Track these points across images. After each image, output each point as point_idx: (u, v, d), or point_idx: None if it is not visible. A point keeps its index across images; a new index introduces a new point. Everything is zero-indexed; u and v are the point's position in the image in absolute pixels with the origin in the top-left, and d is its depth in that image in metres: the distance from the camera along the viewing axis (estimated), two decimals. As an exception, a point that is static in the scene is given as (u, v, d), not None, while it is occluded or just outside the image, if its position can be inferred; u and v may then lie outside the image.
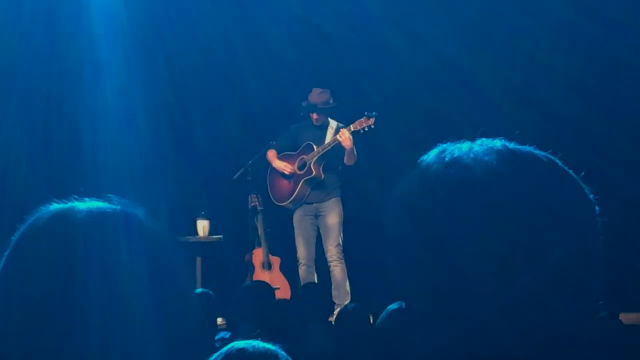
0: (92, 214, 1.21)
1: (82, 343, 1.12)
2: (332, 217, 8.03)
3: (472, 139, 1.17)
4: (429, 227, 1.11)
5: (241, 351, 2.28)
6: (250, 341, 2.34)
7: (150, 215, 1.26)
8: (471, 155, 1.13)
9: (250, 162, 8.37)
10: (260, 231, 8.53)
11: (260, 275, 8.31)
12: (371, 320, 5.32)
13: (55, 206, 1.23)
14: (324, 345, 4.79)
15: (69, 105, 8.71)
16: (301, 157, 8.18)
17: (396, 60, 8.96)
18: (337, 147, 7.92)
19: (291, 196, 8.15)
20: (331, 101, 8.11)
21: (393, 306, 4.04)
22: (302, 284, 7.98)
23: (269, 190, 8.39)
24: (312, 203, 8.11)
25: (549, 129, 7.71)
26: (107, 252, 1.16)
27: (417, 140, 7.94)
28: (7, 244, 1.20)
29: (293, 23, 9.06)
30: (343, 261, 8.01)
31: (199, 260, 8.41)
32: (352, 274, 8.07)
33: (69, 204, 1.23)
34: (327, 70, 8.86)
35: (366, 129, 7.80)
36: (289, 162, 8.23)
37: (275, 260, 8.53)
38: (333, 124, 8.08)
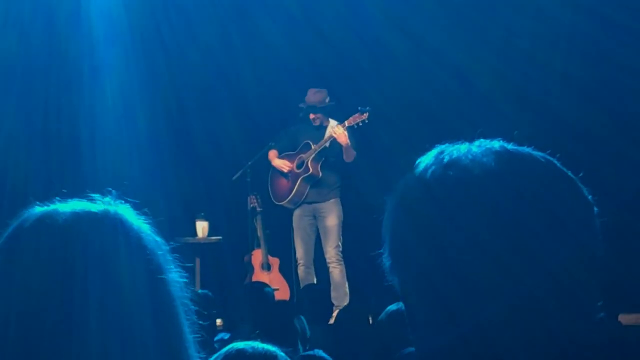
0: (75, 215, 1.20)
1: (71, 345, 1.11)
2: (331, 218, 8.03)
3: (471, 140, 1.17)
4: (427, 229, 1.11)
5: (240, 352, 2.28)
6: (249, 342, 2.34)
7: (147, 215, 1.25)
8: (469, 156, 1.13)
9: (249, 163, 8.38)
10: (260, 232, 8.53)
11: (260, 276, 8.31)
12: (370, 321, 5.33)
13: (38, 209, 1.22)
14: (323, 346, 4.79)
15: (68, 106, 8.71)
16: (300, 156, 8.19)
17: (395, 61, 8.96)
18: (336, 145, 7.91)
19: (289, 194, 8.15)
20: (327, 100, 8.11)
21: (392, 307, 4.05)
22: (301, 284, 7.98)
23: (269, 190, 8.39)
24: (311, 203, 8.10)
25: (548, 130, 7.72)
26: (92, 252, 1.16)
27: (416, 142, 7.94)
28: None
29: (292, 24, 9.06)
30: (342, 262, 8.01)
31: (198, 261, 8.40)
32: (350, 275, 8.07)
33: (52, 207, 1.23)
34: (325, 72, 8.86)
35: (360, 124, 7.81)
36: (288, 162, 8.23)
37: (275, 261, 8.53)
38: (333, 123, 8.08)
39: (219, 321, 6.96)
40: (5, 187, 8.08)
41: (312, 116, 8.09)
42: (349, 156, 7.88)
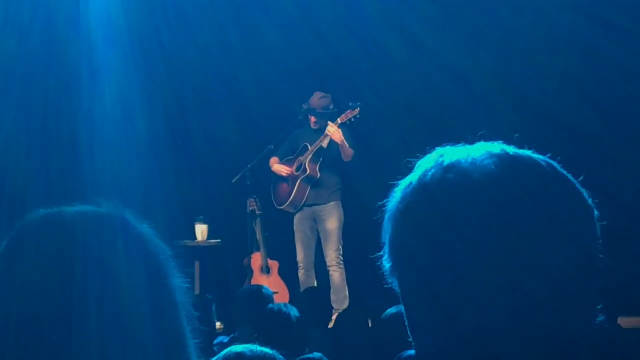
0: (80, 217, 1.20)
1: (72, 345, 1.11)
2: (332, 221, 8.01)
3: (471, 142, 1.17)
4: (427, 231, 1.10)
5: (239, 355, 2.28)
6: (248, 345, 2.34)
7: (147, 218, 1.25)
8: (469, 159, 1.12)
9: (249, 166, 8.37)
10: (259, 235, 8.52)
11: (259, 279, 8.31)
12: (370, 325, 5.32)
13: (43, 211, 1.23)
14: (322, 350, 4.78)
15: (67, 109, 8.71)
16: (298, 159, 8.19)
17: (395, 64, 8.96)
18: (334, 146, 7.91)
19: (290, 197, 8.14)
20: (331, 107, 8.11)
21: (392, 310, 4.04)
22: (301, 287, 7.97)
23: (272, 197, 8.38)
24: (311, 206, 8.09)
25: (548, 133, 7.72)
26: (96, 255, 1.16)
27: (416, 144, 7.94)
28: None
29: (292, 27, 9.06)
30: (342, 266, 8.00)
31: (197, 264, 8.40)
32: (350, 277, 8.06)
33: (57, 209, 1.23)
34: (325, 74, 8.86)
35: (353, 119, 7.83)
36: (288, 166, 8.24)
37: (274, 265, 8.53)
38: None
39: (218, 324, 6.96)
40: (5, 189, 8.08)
41: (312, 119, 8.10)
42: (347, 155, 7.87)
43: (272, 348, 2.36)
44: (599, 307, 1.11)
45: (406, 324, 1.17)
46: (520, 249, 1.06)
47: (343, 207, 8.12)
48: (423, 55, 8.68)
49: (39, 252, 1.16)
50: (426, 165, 1.16)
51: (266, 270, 8.49)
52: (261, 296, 5.78)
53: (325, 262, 8.08)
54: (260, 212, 8.50)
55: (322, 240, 8.09)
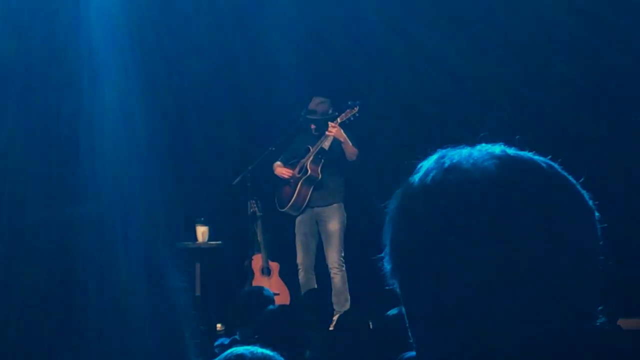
0: (80, 218, 1.20)
1: (72, 346, 1.11)
2: (334, 223, 8.00)
3: (472, 144, 1.17)
4: (428, 233, 1.10)
5: (240, 357, 2.28)
6: (248, 347, 2.34)
7: (147, 219, 1.25)
8: (470, 160, 1.12)
9: (249, 167, 8.38)
10: (260, 237, 8.52)
11: (260, 281, 8.31)
12: (370, 326, 5.32)
13: (43, 212, 1.23)
14: (323, 352, 4.79)
15: (67, 109, 8.70)
16: (300, 161, 8.19)
17: (396, 66, 8.97)
18: (336, 147, 7.91)
19: (292, 199, 8.14)
20: (330, 111, 8.10)
21: (392, 312, 4.04)
22: (301, 289, 7.97)
23: (275, 200, 8.38)
24: (313, 207, 8.08)
25: (549, 135, 7.72)
26: (95, 256, 1.16)
27: (416, 146, 7.94)
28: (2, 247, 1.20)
29: (292, 28, 9.07)
30: (344, 268, 7.99)
31: (198, 266, 8.40)
32: (350, 279, 8.06)
33: (57, 210, 1.23)
34: (325, 76, 8.86)
35: (352, 118, 7.85)
36: (290, 169, 8.23)
37: (275, 266, 8.53)
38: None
39: (218, 326, 6.97)
40: (4, 189, 8.08)
41: (312, 126, 8.10)
42: (351, 154, 7.86)
43: (273, 350, 2.35)
44: (599, 308, 1.11)
45: (407, 325, 1.17)
46: (520, 250, 1.06)
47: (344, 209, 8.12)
48: (424, 57, 8.68)
49: (39, 252, 1.16)
50: (427, 166, 1.16)
51: (267, 271, 8.49)
52: (262, 298, 5.78)
53: (326, 264, 8.08)
54: (261, 214, 8.50)
55: (324, 242, 8.08)
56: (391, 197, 1.18)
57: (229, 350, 2.34)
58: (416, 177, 1.16)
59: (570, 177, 1.14)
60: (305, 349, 4.74)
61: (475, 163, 1.12)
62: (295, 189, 8.11)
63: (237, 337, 5.36)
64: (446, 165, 1.13)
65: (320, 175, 8.04)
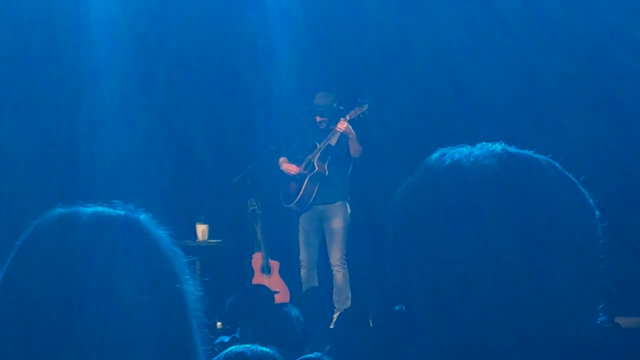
0: (96, 218, 1.20)
1: (84, 345, 1.12)
2: (337, 221, 7.99)
3: (473, 142, 1.17)
4: (429, 230, 1.11)
5: (240, 355, 2.28)
6: (249, 345, 2.34)
7: (154, 220, 1.25)
8: (471, 158, 1.13)
9: (249, 166, 8.37)
10: (260, 235, 8.52)
11: (260, 279, 8.31)
12: (370, 324, 5.32)
13: (59, 210, 1.23)
14: (323, 349, 4.79)
15: (67, 108, 8.71)
16: (307, 157, 8.18)
17: (397, 65, 8.96)
18: (342, 144, 7.90)
19: (298, 195, 8.13)
20: (335, 105, 8.09)
21: (393, 309, 4.04)
22: (303, 286, 7.97)
23: (280, 196, 8.37)
24: (318, 205, 8.08)
25: (550, 133, 7.72)
26: (110, 256, 1.16)
27: (418, 144, 7.95)
28: (10, 247, 1.20)
29: (293, 26, 9.06)
30: (346, 266, 7.98)
31: (198, 264, 8.39)
32: (351, 277, 8.06)
33: (73, 208, 1.23)
34: (327, 74, 8.85)
35: (361, 116, 7.85)
36: (296, 165, 8.22)
37: (275, 265, 8.53)
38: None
39: (218, 324, 6.97)
40: (5, 189, 8.09)
41: (318, 119, 8.09)
42: (356, 150, 7.87)
43: (273, 348, 2.36)
44: (599, 306, 1.11)
45: (407, 323, 1.17)
46: (521, 248, 1.07)
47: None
48: (426, 56, 8.68)
49: (52, 250, 1.16)
50: (428, 164, 1.16)
51: (267, 270, 8.49)
52: (262, 296, 5.79)
53: (328, 261, 8.07)
54: (261, 212, 8.50)
55: (327, 240, 8.08)
56: (392, 195, 1.18)
57: (229, 349, 2.34)
58: (417, 176, 1.16)
59: (570, 176, 1.14)
60: (305, 347, 4.74)
61: (476, 161, 1.12)
62: (302, 186, 8.11)
63: (237, 335, 5.36)
64: (447, 163, 1.13)
65: (327, 172, 8.03)
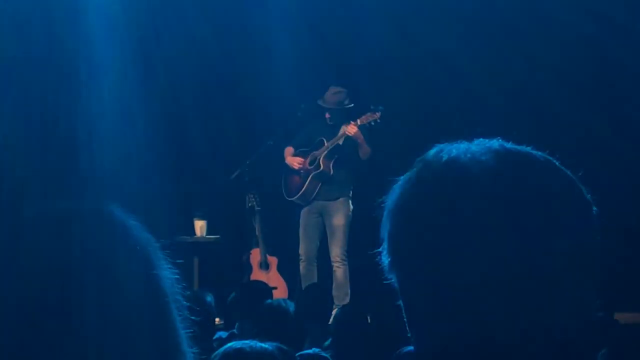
0: (67, 211, 1.20)
1: (63, 337, 1.12)
2: (339, 217, 7.99)
3: (470, 139, 1.17)
4: (426, 226, 1.11)
5: (238, 351, 2.28)
6: (247, 341, 2.35)
7: (125, 210, 1.25)
8: (468, 154, 1.12)
9: (247, 161, 8.37)
10: (258, 231, 8.52)
11: (258, 275, 8.32)
12: (369, 320, 5.33)
13: (28, 210, 1.23)
14: (322, 345, 4.79)
15: (65, 105, 8.70)
16: (313, 153, 8.17)
17: (394, 61, 8.96)
18: (349, 144, 7.89)
19: (300, 191, 8.13)
20: (346, 102, 8.07)
21: (391, 306, 4.05)
22: (302, 280, 7.98)
23: (282, 186, 8.36)
24: (319, 200, 8.08)
25: (547, 129, 7.73)
26: (84, 248, 1.16)
27: (415, 141, 7.95)
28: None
29: (291, 22, 9.05)
30: (346, 263, 7.99)
31: (196, 260, 8.40)
32: (351, 274, 8.06)
33: (42, 207, 1.23)
34: (325, 71, 8.84)
35: (372, 123, 7.81)
36: (301, 159, 8.21)
37: (273, 260, 8.54)
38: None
39: (217, 320, 6.97)
40: (3, 187, 8.07)
41: (327, 115, 8.07)
42: (365, 153, 7.87)
43: (273, 344, 2.36)
44: (597, 302, 1.11)
45: (405, 319, 1.17)
46: (518, 244, 1.07)
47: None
48: (423, 52, 8.67)
49: (37, 247, 1.16)
50: (425, 160, 1.16)
51: (265, 266, 8.49)
52: (260, 292, 5.79)
53: (328, 257, 8.08)
54: (259, 208, 8.50)
55: (328, 236, 8.08)
56: (389, 191, 1.18)
57: (228, 345, 2.34)
58: (414, 172, 1.16)
59: (568, 172, 1.14)
60: (304, 343, 4.75)
61: (473, 157, 1.12)
62: (305, 182, 8.10)
63: (235, 331, 5.37)
64: (444, 159, 1.13)
65: (332, 171, 8.03)
